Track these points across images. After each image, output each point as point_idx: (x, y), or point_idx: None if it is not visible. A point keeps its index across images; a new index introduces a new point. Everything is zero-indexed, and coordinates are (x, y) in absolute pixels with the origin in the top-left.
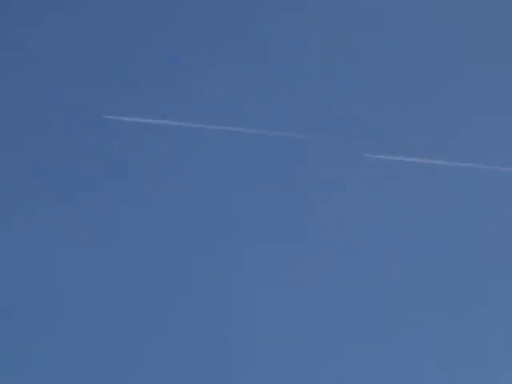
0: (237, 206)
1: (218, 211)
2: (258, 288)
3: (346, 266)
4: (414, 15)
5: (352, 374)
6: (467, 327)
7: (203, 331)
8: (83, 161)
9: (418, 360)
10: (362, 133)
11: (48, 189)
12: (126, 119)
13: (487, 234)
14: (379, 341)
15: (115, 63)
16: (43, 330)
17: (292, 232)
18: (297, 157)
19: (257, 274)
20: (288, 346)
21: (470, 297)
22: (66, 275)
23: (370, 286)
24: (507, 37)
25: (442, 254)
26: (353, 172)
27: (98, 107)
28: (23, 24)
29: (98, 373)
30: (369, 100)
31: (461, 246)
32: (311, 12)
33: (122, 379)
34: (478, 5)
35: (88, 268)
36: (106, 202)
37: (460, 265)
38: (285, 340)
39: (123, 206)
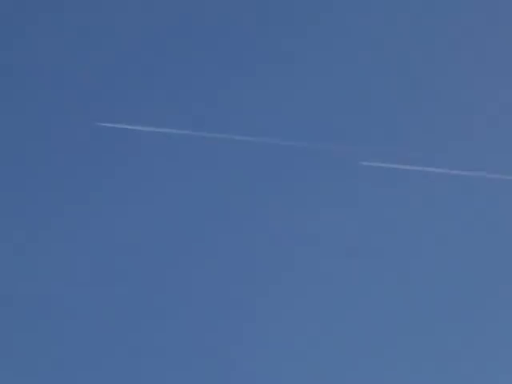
0: (236, 210)
1: (217, 214)
2: (258, 288)
3: (344, 269)
4: (412, 16)
5: (352, 375)
6: (467, 328)
7: (203, 331)
8: (83, 162)
9: (418, 360)
10: (360, 139)
11: (48, 189)
12: (127, 126)
13: (484, 238)
14: (379, 342)
15: (116, 65)
16: (43, 330)
17: (291, 235)
18: (296, 163)
19: (257, 275)
20: (288, 346)
21: (468, 299)
22: (65, 275)
23: (368, 288)
24: (507, 37)
25: (440, 259)
26: (351, 178)
27: (98, 110)
28: (23, 24)
29: (99, 373)
30: (368, 106)
31: (459, 251)
32: (310, 14)
33: (122, 379)
34: (477, 5)
35: (88, 268)
36: (106, 203)
37: (459, 269)
38: (285, 340)
39: (123, 207)
